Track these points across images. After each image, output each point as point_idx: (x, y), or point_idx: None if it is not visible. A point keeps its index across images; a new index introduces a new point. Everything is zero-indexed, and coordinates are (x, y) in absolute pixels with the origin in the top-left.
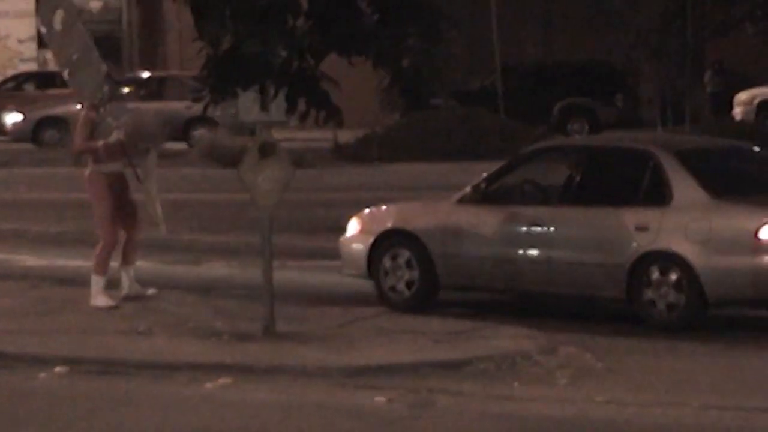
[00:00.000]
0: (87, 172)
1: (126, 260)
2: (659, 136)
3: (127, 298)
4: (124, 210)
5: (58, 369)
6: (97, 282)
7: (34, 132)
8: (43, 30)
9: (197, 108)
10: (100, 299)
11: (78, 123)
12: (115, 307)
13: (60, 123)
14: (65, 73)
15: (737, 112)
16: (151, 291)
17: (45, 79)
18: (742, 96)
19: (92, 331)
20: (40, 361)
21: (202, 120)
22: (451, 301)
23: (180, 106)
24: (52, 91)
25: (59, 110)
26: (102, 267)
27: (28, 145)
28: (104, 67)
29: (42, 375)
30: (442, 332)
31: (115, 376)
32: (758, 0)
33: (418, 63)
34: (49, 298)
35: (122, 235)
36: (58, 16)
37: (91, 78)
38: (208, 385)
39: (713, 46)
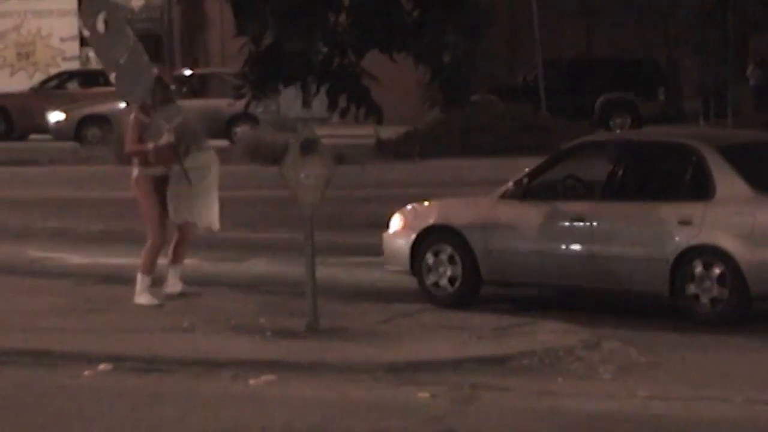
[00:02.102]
0: (134, 174)
1: (175, 258)
2: (702, 131)
3: (171, 296)
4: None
5: (102, 366)
6: (142, 280)
7: (77, 130)
8: (87, 33)
9: (239, 105)
10: (143, 297)
11: (128, 125)
12: (159, 306)
13: (103, 121)
14: (111, 76)
15: None
16: (194, 290)
17: (87, 78)
18: None
19: (136, 328)
20: (85, 359)
21: (244, 117)
22: (493, 297)
23: (222, 104)
24: (94, 90)
25: (102, 108)
26: (149, 267)
27: (72, 144)
28: (154, 70)
29: (86, 372)
30: (485, 328)
31: (159, 373)
32: None
33: (459, 59)
34: (92, 296)
35: (174, 233)
36: (102, 18)
37: (139, 80)
38: (252, 381)
39: (755, 40)
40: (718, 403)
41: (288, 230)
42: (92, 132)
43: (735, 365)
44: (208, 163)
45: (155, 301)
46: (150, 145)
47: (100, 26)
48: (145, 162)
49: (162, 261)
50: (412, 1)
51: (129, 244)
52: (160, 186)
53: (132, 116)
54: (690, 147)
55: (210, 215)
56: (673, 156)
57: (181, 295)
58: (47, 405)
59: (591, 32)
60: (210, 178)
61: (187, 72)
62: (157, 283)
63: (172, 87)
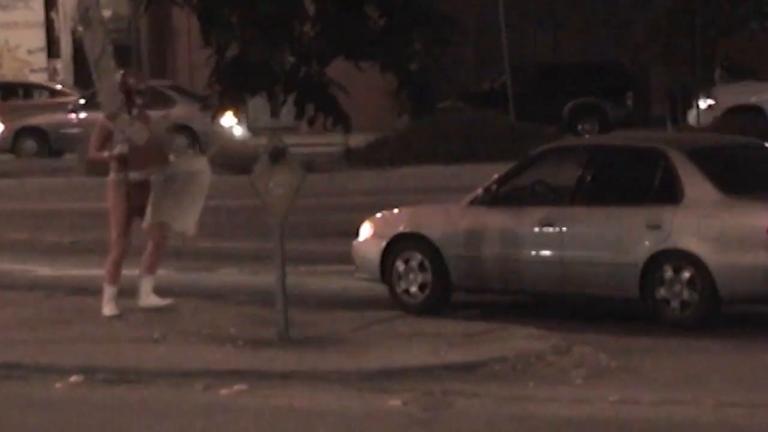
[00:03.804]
0: (108, 179)
1: (147, 269)
2: (670, 135)
3: (145, 310)
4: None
5: (73, 378)
6: (107, 290)
7: (13, 142)
8: (80, 29)
9: (171, 118)
10: (107, 308)
11: (94, 131)
12: (117, 316)
13: (39, 133)
14: (93, 75)
15: None
16: (167, 302)
17: (6, 90)
18: None
19: (107, 339)
20: (56, 371)
21: (179, 129)
22: (464, 303)
23: (156, 116)
24: (34, 101)
25: (38, 120)
26: (112, 276)
27: (7, 156)
28: (118, 76)
29: (58, 385)
30: (456, 334)
31: (131, 385)
32: None
33: (426, 67)
34: (63, 308)
35: (148, 242)
36: (88, 14)
37: (106, 86)
38: (224, 391)
39: (723, 44)
40: (688, 406)
41: (258, 239)
42: (28, 144)
43: (705, 369)
44: (200, 169)
45: (115, 312)
46: (105, 154)
47: (85, 23)
48: (118, 168)
49: (135, 272)
50: (378, 10)
51: (99, 256)
52: (135, 192)
53: (98, 122)
54: (658, 151)
55: (187, 220)
56: (642, 160)
57: (156, 309)
58: (18, 418)
59: (558, 38)
60: (199, 183)
61: (162, 83)
62: (126, 294)
63: (139, 99)
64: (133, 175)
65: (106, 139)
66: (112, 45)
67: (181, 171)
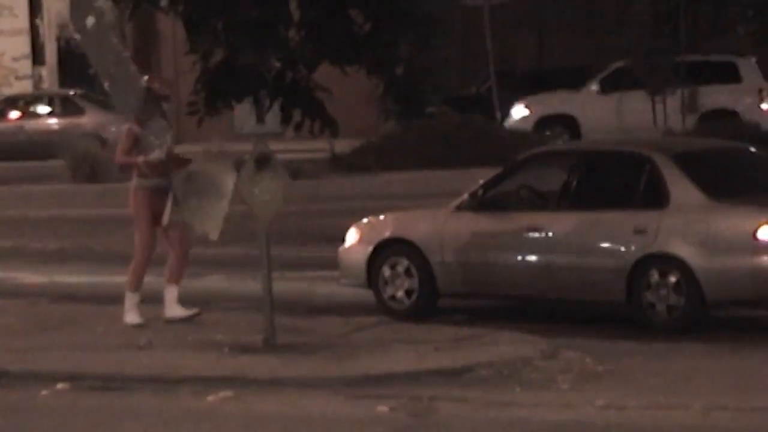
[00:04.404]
0: (131, 185)
1: (170, 278)
2: (655, 139)
3: (171, 321)
4: (170, 227)
5: (60, 385)
6: (129, 298)
7: None
8: (78, 36)
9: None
10: (129, 316)
11: (122, 136)
12: (141, 325)
13: None
14: (105, 85)
15: None
16: (192, 312)
17: None
18: None
19: (93, 346)
20: (42, 378)
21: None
22: (450, 309)
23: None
24: None
25: None
26: (135, 284)
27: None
28: (143, 81)
29: (44, 392)
30: (443, 340)
31: (117, 391)
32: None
33: (411, 70)
34: (48, 315)
35: (169, 252)
36: (90, 22)
37: (130, 92)
38: (210, 398)
39: (707, 48)
40: (675, 410)
41: (244, 245)
42: None
43: (692, 372)
44: (224, 174)
45: (139, 321)
46: (140, 159)
47: (89, 30)
48: (142, 174)
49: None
50: (363, 14)
51: (84, 263)
52: (157, 198)
53: (126, 127)
54: (644, 155)
55: (210, 223)
56: (628, 165)
57: (180, 319)
58: (5, 426)
59: (543, 42)
60: (224, 188)
61: (71, 92)
62: (114, 301)
63: (165, 104)
64: (159, 182)
65: (134, 145)
66: (126, 49)
67: (203, 173)
